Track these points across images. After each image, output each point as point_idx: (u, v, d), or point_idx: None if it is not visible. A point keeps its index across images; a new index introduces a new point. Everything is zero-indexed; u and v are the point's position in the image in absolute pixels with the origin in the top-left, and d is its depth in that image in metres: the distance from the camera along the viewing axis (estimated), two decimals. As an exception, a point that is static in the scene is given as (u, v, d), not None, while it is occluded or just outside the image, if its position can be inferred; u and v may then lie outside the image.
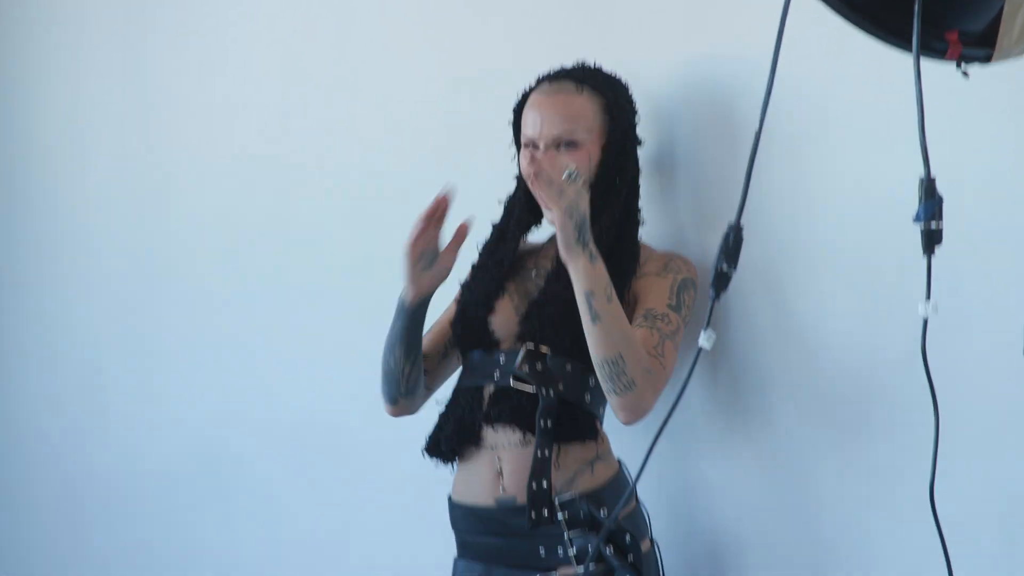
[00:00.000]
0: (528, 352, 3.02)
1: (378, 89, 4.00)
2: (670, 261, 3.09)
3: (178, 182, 4.45)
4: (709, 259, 2.82)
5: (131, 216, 4.57)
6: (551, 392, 2.98)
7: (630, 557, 2.94)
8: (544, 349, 3.01)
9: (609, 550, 2.94)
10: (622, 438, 3.20)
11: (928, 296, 2.08)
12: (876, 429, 3.02)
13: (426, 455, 3.17)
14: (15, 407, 4.82)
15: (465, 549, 3.16)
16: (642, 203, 3.23)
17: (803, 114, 3.02)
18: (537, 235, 3.30)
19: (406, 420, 3.28)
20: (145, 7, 4.60)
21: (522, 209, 3.21)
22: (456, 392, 3.15)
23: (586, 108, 3.08)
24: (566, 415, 3.00)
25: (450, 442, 3.09)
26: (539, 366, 3.00)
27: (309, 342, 4.11)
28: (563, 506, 2.96)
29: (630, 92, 3.17)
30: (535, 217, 3.23)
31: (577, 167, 2.86)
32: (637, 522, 3.05)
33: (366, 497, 3.95)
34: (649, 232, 3.27)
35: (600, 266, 2.83)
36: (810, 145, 3.07)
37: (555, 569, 2.97)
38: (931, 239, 2.10)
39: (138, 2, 4.61)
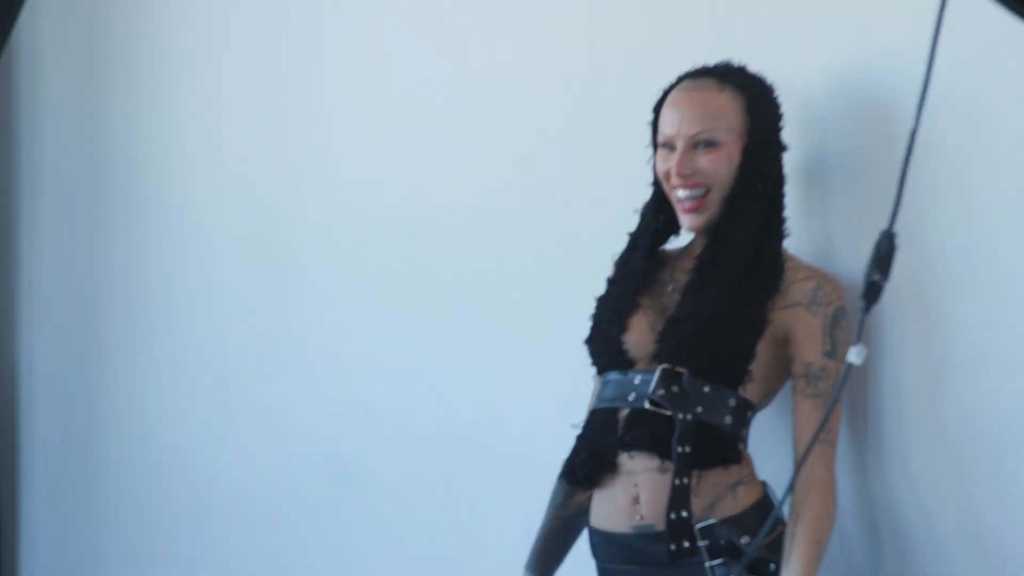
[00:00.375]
0: (664, 373, 2.91)
1: (509, 90, 3.95)
2: (818, 289, 2.95)
3: (308, 187, 4.42)
4: (861, 272, 2.80)
5: (260, 221, 4.57)
6: (689, 416, 2.88)
7: None
8: (681, 369, 2.91)
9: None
10: (767, 459, 3.10)
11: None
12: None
13: (563, 481, 3.11)
14: (143, 415, 4.82)
15: None
16: (789, 213, 3.10)
17: (961, 115, 2.88)
18: (676, 242, 3.19)
19: (540, 437, 3.33)
20: (279, 9, 4.58)
21: (656, 216, 3.12)
22: (591, 414, 3.08)
23: (727, 106, 2.99)
24: (705, 439, 2.90)
25: (585, 470, 3.00)
26: (676, 388, 2.90)
27: (440, 353, 4.05)
28: (703, 534, 2.88)
29: (775, 93, 3.06)
30: (671, 225, 3.13)
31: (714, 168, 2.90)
32: (782, 552, 2.89)
33: (497, 517, 3.88)
34: (797, 244, 3.14)
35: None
36: (970, 147, 2.93)
37: None
38: None
39: (272, 4, 4.59)
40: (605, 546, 3.03)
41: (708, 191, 2.96)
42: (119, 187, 4.87)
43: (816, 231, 3.22)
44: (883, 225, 2.06)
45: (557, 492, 3.22)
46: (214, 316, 4.59)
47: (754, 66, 3.09)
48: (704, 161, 2.95)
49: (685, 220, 3.01)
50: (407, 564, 4.06)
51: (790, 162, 3.10)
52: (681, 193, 2.97)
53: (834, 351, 2.91)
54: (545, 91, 3.80)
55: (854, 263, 3.02)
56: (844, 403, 3.02)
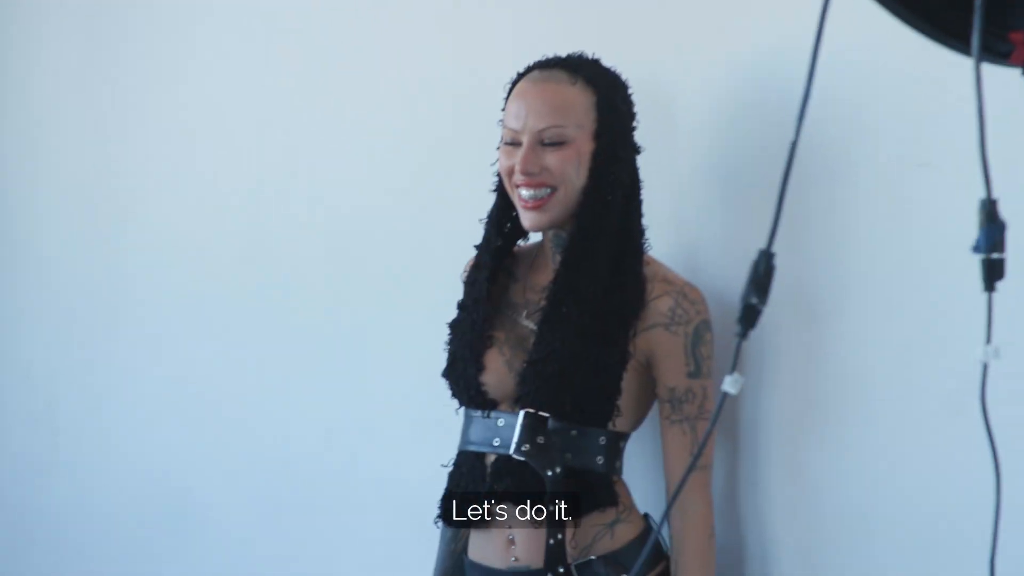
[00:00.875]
0: (527, 419, 2.86)
1: (361, 98, 3.92)
2: (676, 307, 2.89)
3: (139, 207, 4.38)
4: (734, 290, 2.70)
5: (87, 242, 4.51)
6: (558, 469, 2.85)
7: None
8: (544, 415, 2.86)
9: None
10: (640, 483, 3.11)
11: (988, 339, 1.85)
12: (926, 482, 2.82)
13: (438, 524, 3.07)
14: None
15: None
16: (660, 224, 3.07)
17: (843, 126, 2.85)
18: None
19: (393, 466, 3.38)
20: (109, 12, 4.52)
21: (499, 228, 3.04)
22: (459, 456, 3.02)
23: (578, 101, 2.89)
24: (579, 485, 2.87)
25: (458, 515, 2.96)
26: (541, 439, 2.86)
27: (284, 376, 4.00)
28: (581, 570, 2.88)
29: (629, 91, 2.98)
30: (517, 231, 3.05)
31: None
32: None
33: (344, 550, 3.83)
34: (666, 258, 3.08)
35: None
36: (851, 161, 2.88)
37: None
38: (992, 272, 1.89)
39: (101, 8, 4.53)
40: None
41: (554, 191, 2.86)
42: None
43: (686, 247, 3.19)
44: (760, 243, 1.99)
45: (445, 530, 3.14)
46: (41, 335, 4.51)
47: (635, 72, 3.02)
48: (551, 159, 2.85)
49: (526, 219, 2.91)
50: None
51: (666, 170, 3.09)
52: (524, 192, 2.88)
53: (698, 370, 2.89)
54: (397, 97, 3.77)
55: (728, 286, 3.01)
56: (718, 427, 3.03)
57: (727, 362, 2.91)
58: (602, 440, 2.88)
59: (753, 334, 2.11)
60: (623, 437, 2.93)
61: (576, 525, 2.86)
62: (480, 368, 2.95)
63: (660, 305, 2.89)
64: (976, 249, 1.97)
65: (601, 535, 2.88)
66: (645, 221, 2.99)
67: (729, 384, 2.04)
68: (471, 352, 2.97)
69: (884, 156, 2.80)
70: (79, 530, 4.36)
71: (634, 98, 2.99)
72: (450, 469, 3.03)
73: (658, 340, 2.89)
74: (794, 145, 1.99)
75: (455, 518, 2.96)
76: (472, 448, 2.97)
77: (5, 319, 4.63)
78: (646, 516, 3.00)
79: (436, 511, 3.01)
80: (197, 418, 4.13)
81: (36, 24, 4.68)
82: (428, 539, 3.20)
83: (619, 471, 2.94)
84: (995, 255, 1.99)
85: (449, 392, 3.04)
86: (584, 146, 2.87)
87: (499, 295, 3.03)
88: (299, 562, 3.86)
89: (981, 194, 1.90)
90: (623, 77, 2.97)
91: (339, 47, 3.91)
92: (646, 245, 2.98)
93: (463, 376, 2.97)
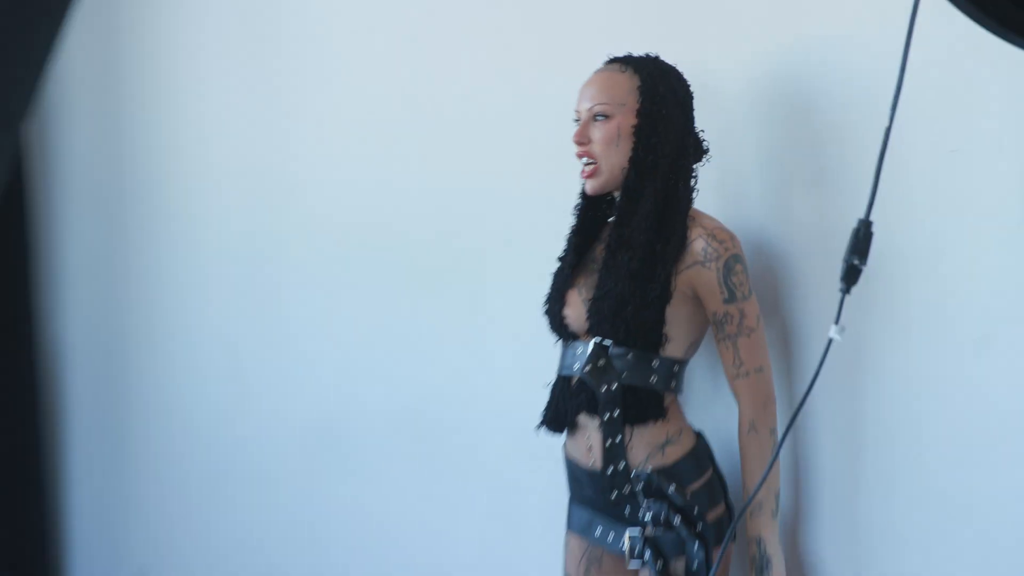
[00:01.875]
0: (594, 348, 3.02)
1: (468, 96, 3.92)
2: (707, 246, 2.98)
3: (300, 191, 4.39)
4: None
5: (258, 220, 4.52)
6: (613, 386, 2.98)
7: (698, 527, 2.94)
8: (607, 343, 3.00)
9: (678, 520, 2.93)
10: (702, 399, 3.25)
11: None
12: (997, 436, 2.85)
13: (539, 431, 3.18)
14: (164, 396, 4.74)
15: (573, 497, 3.19)
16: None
17: (934, 113, 2.85)
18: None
19: (522, 404, 3.29)
20: (271, 29, 4.54)
21: (586, 199, 3.17)
22: (556, 379, 3.15)
23: (623, 84, 3.02)
24: (633, 400, 2.99)
25: (553, 425, 3.13)
26: (602, 362, 3.00)
27: (413, 339, 4.04)
28: (637, 481, 2.98)
29: (679, 78, 3.07)
30: (590, 201, 3.18)
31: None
32: (710, 492, 3.03)
33: (467, 469, 3.91)
34: (767, 227, 3.18)
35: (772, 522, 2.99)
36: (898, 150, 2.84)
37: (639, 527, 2.97)
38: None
39: (263, 28, 4.54)
40: (573, 473, 3.16)
41: (596, 163, 3.00)
42: (138, 196, 4.81)
43: (729, 204, 3.25)
44: (851, 213, 2.14)
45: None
46: (217, 312, 4.56)
47: (691, 69, 3.11)
48: (596, 132, 2.99)
49: (584, 185, 3.07)
50: (387, 512, 4.09)
51: (715, 146, 3.14)
52: (581, 161, 3.03)
53: (732, 296, 2.97)
54: (503, 96, 3.77)
55: (765, 230, 3.16)
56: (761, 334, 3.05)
57: (817, 309, 3.02)
58: (655, 363, 2.98)
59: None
60: (677, 361, 3.00)
61: (633, 437, 2.99)
62: (563, 303, 3.09)
63: (695, 247, 2.96)
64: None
65: (654, 454, 2.97)
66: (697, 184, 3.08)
67: (834, 332, 2.12)
68: (558, 292, 3.12)
69: (924, 143, 2.82)
70: (262, 460, 4.40)
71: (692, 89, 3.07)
72: (550, 389, 3.15)
73: (697, 276, 2.96)
74: (888, 131, 2.04)
75: (550, 426, 3.12)
76: (562, 372, 3.10)
77: (196, 289, 4.65)
78: (699, 435, 3.08)
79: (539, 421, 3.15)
80: (350, 368, 4.20)
81: (202, 38, 4.70)
82: (538, 455, 3.38)
83: (676, 390, 3.03)
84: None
85: (548, 327, 3.16)
86: (625, 121, 2.98)
87: (584, 251, 3.15)
88: (434, 481, 3.95)
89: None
90: (678, 72, 3.05)
91: (458, 54, 3.90)
92: (693, 202, 3.06)
93: (552, 311, 3.12)
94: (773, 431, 2.97)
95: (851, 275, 2.10)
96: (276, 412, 4.34)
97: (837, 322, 2.10)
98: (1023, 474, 2.75)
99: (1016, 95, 2.72)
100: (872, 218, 2.09)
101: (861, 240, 2.09)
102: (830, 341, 2.08)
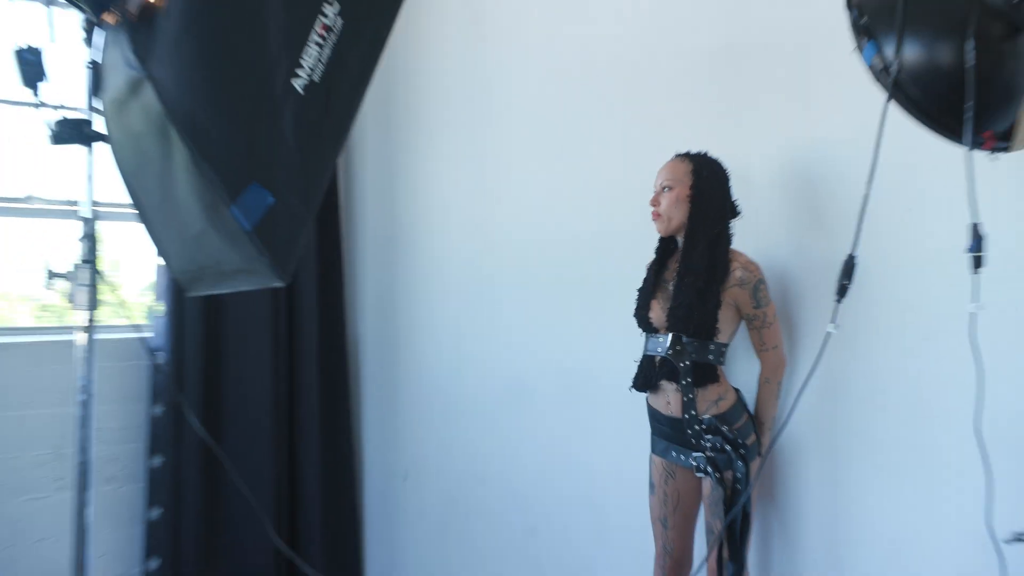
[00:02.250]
0: (673, 338, 2.95)
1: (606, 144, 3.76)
2: (744, 274, 2.94)
3: (502, 225, 4.25)
4: (791, 269, 2.98)
5: (474, 253, 4.39)
6: (688, 362, 2.93)
7: (741, 451, 2.88)
8: (680, 335, 2.95)
9: (729, 448, 2.88)
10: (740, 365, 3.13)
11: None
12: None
13: (631, 390, 3.13)
14: (417, 358, 4.65)
15: (655, 432, 3.11)
16: (777, 242, 3.06)
17: (892, 183, 2.62)
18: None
19: (623, 371, 3.17)
20: (479, 116, 4.36)
21: (662, 243, 3.14)
22: (643, 358, 3.07)
23: (680, 168, 3.02)
24: (699, 370, 2.92)
25: (642, 387, 3.06)
26: (679, 347, 2.93)
27: (568, 324, 3.92)
28: (703, 422, 2.92)
29: (720, 165, 3.03)
30: (664, 243, 3.14)
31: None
32: (747, 429, 2.95)
33: (600, 415, 3.76)
34: (780, 245, 3.10)
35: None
36: (899, 207, 2.78)
37: (702, 452, 2.93)
38: (976, 264, 2.00)
39: (482, 107, 4.34)
40: (655, 417, 3.08)
41: (660, 216, 3.02)
42: (402, 240, 4.73)
43: (760, 249, 3.11)
44: (839, 248, 2.01)
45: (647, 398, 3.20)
46: (450, 310, 4.45)
47: (731, 161, 3.05)
48: (664, 199, 3.01)
49: (657, 227, 3.06)
50: (551, 434, 3.97)
51: (748, 211, 3.07)
52: (653, 213, 3.04)
53: (758, 304, 2.93)
54: (627, 185, 3.60)
55: (784, 264, 3.04)
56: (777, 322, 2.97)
57: (814, 314, 2.94)
58: (711, 347, 2.91)
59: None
60: (723, 345, 2.94)
61: (698, 395, 2.91)
62: (648, 309, 3.03)
63: (735, 274, 2.91)
64: (969, 250, 1.95)
65: (711, 407, 2.90)
66: (736, 236, 3.01)
67: (830, 327, 2.05)
68: (644, 301, 3.05)
69: (889, 205, 2.69)
70: (477, 402, 4.28)
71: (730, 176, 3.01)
72: (638, 364, 3.07)
73: (737, 293, 2.91)
74: (866, 196, 1.98)
75: (640, 388, 3.04)
76: (648, 353, 3.02)
77: (437, 298, 4.53)
78: (737, 391, 2.97)
79: (630, 384, 3.07)
80: (531, 345, 4.06)
81: (440, 129, 4.54)
82: (635, 413, 3.21)
83: (723, 362, 2.95)
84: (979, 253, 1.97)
85: (636, 325, 3.08)
86: (682, 193, 2.96)
87: (660, 275, 3.07)
88: (579, 416, 3.83)
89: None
90: (719, 162, 3.00)
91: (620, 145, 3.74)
92: (732, 245, 3.00)
93: (640, 314, 3.05)
94: (780, 384, 2.95)
95: (842, 291, 2.00)
96: (483, 370, 4.25)
97: (833, 321, 1.99)
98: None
99: (942, 174, 2.49)
100: (855, 254, 1.95)
101: (848, 268, 1.99)
102: (828, 334, 1.97)
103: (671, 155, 3.06)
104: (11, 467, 4.05)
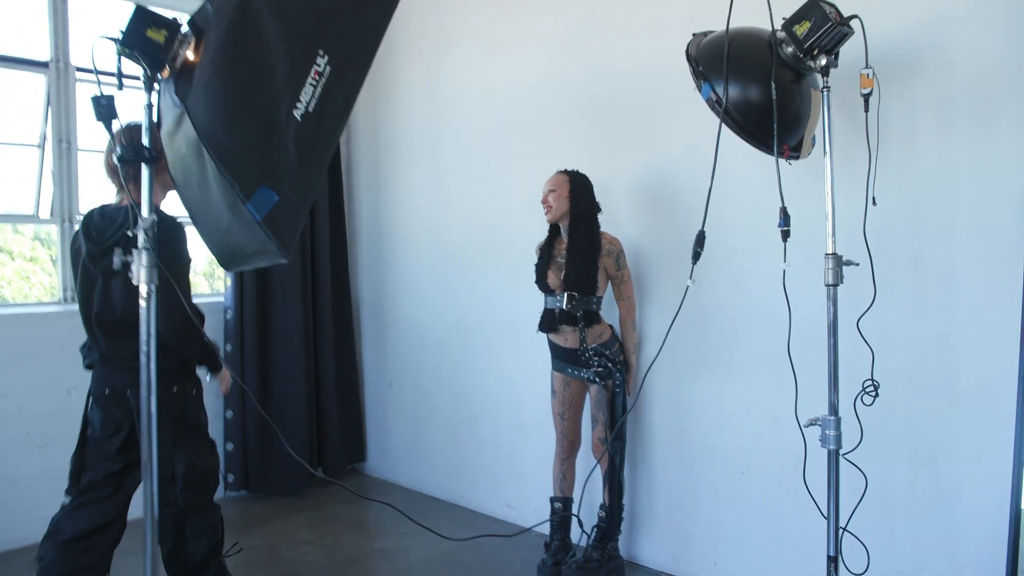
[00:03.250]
0: (568, 296, 2.85)
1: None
2: (610, 246, 2.90)
3: (450, 217, 3.92)
4: (647, 244, 2.81)
5: (431, 235, 4.04)
6: (581, 312, 2.85)
7: (617, 366, 2.85)
8: (573, 293, 2.85)
9: (609, 364, 2.84)
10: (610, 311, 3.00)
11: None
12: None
13: (538, 332, 2.97)
14: (396, 307, 4.34)
15: (555, 357, 3.00)
16: (634, 222, 2.98)
17: (732, 177, 2.64)
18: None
19: (530, 318, 3.08)
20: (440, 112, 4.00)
21: (551, 228, 3.01)
22: (545, 310, 2.94)
23: (561, 178, 2.95)
24: (588, 316, 2.86)
25: (546, 330, 2.92)
26: (573, 302, 2.84)
27: (496, 285, 3.66)
28: (592, 350, 2.87)
29: (587, 178, 2.94)
30: (553, 229, 3.02)
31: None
32: (619, 352, 2.90)
33: (519, 341, 3.53)
34: (647, 232, 2.99)
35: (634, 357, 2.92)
36: (732, 196, 2.69)
37: (591, 368, 2.86)
38: (785, 236, 1.92)
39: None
40: (555, 350, 2.98)
41: (551, 208, 2.90)
42: (387, 224, 4.44)
43: (659, 228, 2.98)
44: (696, 225, 1.94)
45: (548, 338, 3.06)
46: (417, 275, 4.15)
47: (596, 171, 2.99)
48: (551, 198, 2.91)
49: (546, 217, 2.93)
50: (486, 359, 3.66)
51: (607, 208, 2.98)
52: (544, 209, 2.93)
53: (619, 267, 2.88)
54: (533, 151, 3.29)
55: (640, 240, 2.94)
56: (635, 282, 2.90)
57: (683, 275, 2.74)
58: (594, 299, 2.85)
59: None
60: (600, 297, 2.87)
61: (587, 333, 2.84)
62: (546, 278, 2.91)
63: (605, 248, 2.86)
64: (780, 225, 1.86)
65: (596, 339, 2.85)
66: (603, 221, 2.96)
67: (689, 282, 1.96)
68: (542, 272, 2.93)
69: (749, 197, 2.60)
70: (432, 338, 3.98)
71: (594, 183, 2.94)
72: (541, 314, 2.94)
73: (606, 260, 2.86)
74: (710, 190, 1.90)
75: (546, 330, 2.89)
76: (548, 307, 2.91)
77: (406, 263, 4.21)
78: (612, 327, 2.93)
79: (536, 328, 2.94)
80: (469, 300, 3.76)
81: (404, 142, 4.20)
82: (539, 344, 3.07)
83: (600, 309, 2.88)
84: (785, 228, 1.89)
85: (538, 289, 2.96)
86: (563, 194, 2.88)
87: (549, 253, 2.96)
88: (503, 355, 3.55)
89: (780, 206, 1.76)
90: (586, 175, 2.92)
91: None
92: (600, 227, 2.92)
93: (540, 282, 2.93)
94: (634, 323, 2.93)
95: (696, 256, 1.95)
96: (440, 316, 3.96)
97: (691, 278, 1.93)
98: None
99: (758, 174, 2.52)
100: (704, 229, 1.90)
101: (700, 239, 1.94)
102: (687, 288, 1.89)
103: (554, 171, 3.06)
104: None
